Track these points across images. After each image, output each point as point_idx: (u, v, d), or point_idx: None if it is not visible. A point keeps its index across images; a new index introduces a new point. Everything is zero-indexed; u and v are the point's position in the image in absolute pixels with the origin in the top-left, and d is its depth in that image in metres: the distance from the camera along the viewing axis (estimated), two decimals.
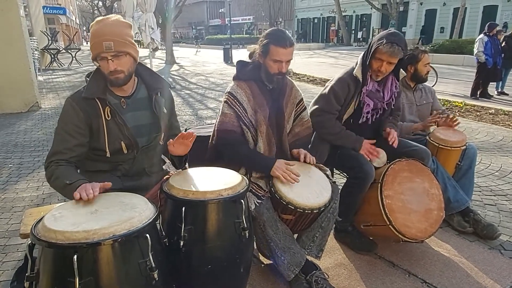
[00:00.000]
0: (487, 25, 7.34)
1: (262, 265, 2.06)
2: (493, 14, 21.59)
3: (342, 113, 2.21)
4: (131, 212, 1.15)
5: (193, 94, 8.30)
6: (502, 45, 7.22)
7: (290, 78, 2.06)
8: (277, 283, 1.90)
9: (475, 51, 7.36)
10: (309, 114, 2.17)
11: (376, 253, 2.16)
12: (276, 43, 1.76)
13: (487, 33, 7.21)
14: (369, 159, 2.12)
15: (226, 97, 1.86)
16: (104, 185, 1.35)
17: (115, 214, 1.13)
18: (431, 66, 2.71)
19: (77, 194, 1.26)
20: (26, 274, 1.09)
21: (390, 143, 2.11)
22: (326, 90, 2.20)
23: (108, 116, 1.55)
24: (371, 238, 2.20)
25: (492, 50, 7.07)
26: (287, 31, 1.85)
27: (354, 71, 2.12)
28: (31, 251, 1.14)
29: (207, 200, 1.34)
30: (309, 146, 2.30)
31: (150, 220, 1.14)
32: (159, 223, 1.34)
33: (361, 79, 2.11)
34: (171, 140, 1.59)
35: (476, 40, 7.50)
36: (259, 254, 2.05)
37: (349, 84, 2.12)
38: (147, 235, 1.11)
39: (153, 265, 1.11)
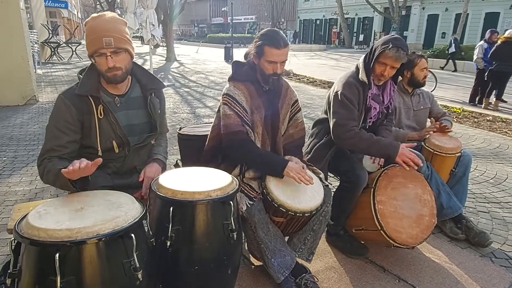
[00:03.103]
0: (487, 32, 7.34)
1: (253, 266, 2.05)
2: (495, 21, 21.62)
3: (359, 119, 2.12)
4: (116, 211, 1.14)
5: (192, 92, 8.28)
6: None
7: (285, 79, 2.05)
8: (267, 285, 1.90)
9: (475, 57, 7.37)
10: (332, 128, 2.08)
11: (367, 257, 2.15)
12: (270, 44, 1.74)
13: (488, 40, 7.21)
14: (407, 169, 1.94)
15: (225, 99, 1.82)
16: (95, 162, 1.30)
17: (100, 213, 1.12)
18: (430, 71, 2.71)
19: (65, 170, 1.25)
20: (8, 271, 1.07)
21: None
22: (339, 99, 2.07)
23: (101, 115, 1.54)
24: (362, 242, 2.19)
25: None
26: (281, 32, 1.83)
27: (360, 75, 2.09)
28: (16, 247, 1.13)
29: (195, 200, 1.32)
30: (307, 150, 2.30)
31: (136, 219, 1.13)
32: (147, 223, 1.33)
33: (367, 83, 2.08)
34: None
35: (476, 47, 7.51)
36: (250, 255, 2.05)
37: (358, 88, 2.08)
38: (132, 235, 1.10)
39: (137, 265, 1.10)
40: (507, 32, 6.93)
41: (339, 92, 2.09)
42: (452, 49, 13.65)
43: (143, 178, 1.62)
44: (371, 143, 2.00)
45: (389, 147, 1.97)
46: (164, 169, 1.73)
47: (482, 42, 7.36)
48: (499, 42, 6.77)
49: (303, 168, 1.76)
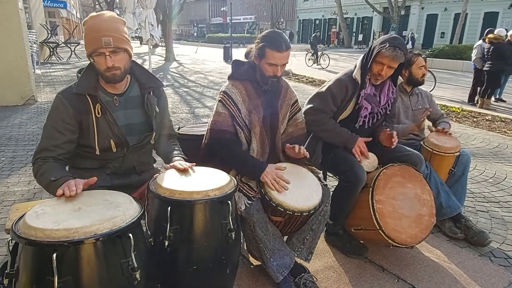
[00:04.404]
0: (486, 32, 7.36)
1: (251, 266, 2.05)
2: (494, 21, 21.66)
3: (337, 114, 2.19)
4: (114, 211, 1.13)
5: (191, 92, 8.28)
6: None
7: (285, 79, 2.04)
8: (266, 284, 1.89)
9: (474, 57, 7.39)
10: (303, 112, 2.15)
11: (366, 257, 2.15)
12: (272, 47, 1.74)
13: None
14: (359, 159, 2.10)
15: (221, 96, 1.84)
16: (88, 181, 1.32)
17: (98, 213, 1.12)
18: (429, 71, 2.72)
19: (59, 191, 1.25)
20: (6, 271, 1.07)
21: (394, 141, 2.09)
22: (323, 89, 2.18)
23: (99, 114, 1.54)
24: (361, 242, 2.19)
25: None
26: (283, 34, 1.83)
27: (354, 74, 2.10)
28: (14, 247, 1.13)
29: (193, 200, 1.32)
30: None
31: (134, 219, 1.13)
32: (145, 223, 1.33)
33: (360, 82, 2.09)
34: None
35: (474, 47, 7.51)
36: (249, 255, 2.05)
37: (347, 86, 2.10)
38: (130, 234, 1.10)
39: (135, 265, 1.10)
40: (496, 31, 6.99)
41: (327, 85, 2.18)
42: (409, 46, 13.73)
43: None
44: (334, 133, 2.16)
45: (348, 139, 2.14)
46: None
47: (481, 41, 7.36)
48: (486, 43, 6.84)
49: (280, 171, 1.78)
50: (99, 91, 1.57)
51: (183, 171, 1.53)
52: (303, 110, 2.19)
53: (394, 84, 2.21)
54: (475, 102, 7.48)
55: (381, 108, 2.20)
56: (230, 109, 1.80)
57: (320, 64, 14.59)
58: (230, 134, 1.81)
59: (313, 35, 16.81)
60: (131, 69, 1.65)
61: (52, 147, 1.49)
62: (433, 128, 2.64)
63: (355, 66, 2.15)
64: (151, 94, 1.70)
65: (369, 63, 2.05)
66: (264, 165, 1.75)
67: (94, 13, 1.55)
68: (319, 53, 14.83)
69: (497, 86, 7.26)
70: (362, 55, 2.15)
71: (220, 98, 1.84)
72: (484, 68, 6.99)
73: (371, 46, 2.09)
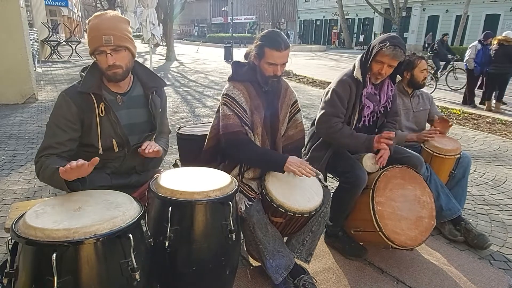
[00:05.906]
0: (483, 34, 7.39)
1: (251, 267, 2.05)
2: (495, 23, 21.65)
3: (348, 118, 2.16)
4: (114, 211, 1.13)
5: (192, 92, 8.27)
6: None
7: (285, 79, 2.04)
8: (265, 286, 1.89)
9: (466, 57, 7.40)
10: (316, 122, 2.15)
11: (365, 259, 2.15)
12: (270, 46, 1.73)
13: (482, 42, 7.25)
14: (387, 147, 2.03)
15: (225, 99, 1.82)
16: (92, 162, 1.30)
17: (98, 213, 1.12)
18: (430, 72, 2.71)
19: (62, 168, 1.24)
20: (5, 271, 1.06)
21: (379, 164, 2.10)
22: (329, 95, 2.14)
23: (102, 113, 1.54)
24: (361, 243, 2.19)
25: (483, 59, 7.11)
26: (282, 33, 1.82)
27: (355, 73, 2.10)
28: (14, 247, 1.12)
29: (194, 201, 1.32)
30: (305, 151, 2.30)
31: (134, 220, 1.13)
32: (145, 223, 1.32)
33: (361, 81, 2.09)
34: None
35: (469, 47, 7.52)
36: (248, 256, 2.04)
37: (351, 86, 2.10)
38: (130, 235, 1.10)
39: (135, 266, 1.10)
40: (504, 33, 6.98)
41: (331, 89, 2.15)
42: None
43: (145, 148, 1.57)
44: (352, 138, 2.10)
45: (366, 142, 2.07)
46: (164, 153, 1.75)
47: (476, 42, 7.38)
48: (495, 44, 6.82)
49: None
50: (103, 90, 1.57)
51: (183, 172, 1.53)
52: (316, 120, 2.18)
53: (393, 82, 2.23)
54: (478, 103, 7.47)
55: (381, 107, 2.20)
56: (235, 110, 1.79)
57: (449, 86, 8.88)
58: (244, 134, 1.79)
59: (437, 39, 10.35)
60: (134, 69, 1.65)
61: (56, 144, 1.49)
62: (436, 118, 2.62)
63: (354, 66, 2.15)
64: (155, 94, 1.70)
65: (369, 62, 2.05)
66: (286, 156, 1.74)
67: (98, 13, 1.56)
68: (449, 66, 9.39)
69: (502, 88, 7.23)
70: (360, 55, 2.16)
71: (224, 102, 1.82)
72: (489, 70, 6.95)
73: (370, 45, 2.10)
